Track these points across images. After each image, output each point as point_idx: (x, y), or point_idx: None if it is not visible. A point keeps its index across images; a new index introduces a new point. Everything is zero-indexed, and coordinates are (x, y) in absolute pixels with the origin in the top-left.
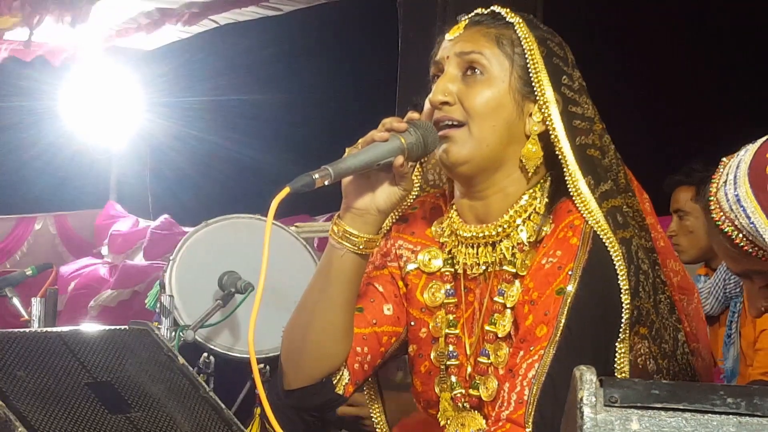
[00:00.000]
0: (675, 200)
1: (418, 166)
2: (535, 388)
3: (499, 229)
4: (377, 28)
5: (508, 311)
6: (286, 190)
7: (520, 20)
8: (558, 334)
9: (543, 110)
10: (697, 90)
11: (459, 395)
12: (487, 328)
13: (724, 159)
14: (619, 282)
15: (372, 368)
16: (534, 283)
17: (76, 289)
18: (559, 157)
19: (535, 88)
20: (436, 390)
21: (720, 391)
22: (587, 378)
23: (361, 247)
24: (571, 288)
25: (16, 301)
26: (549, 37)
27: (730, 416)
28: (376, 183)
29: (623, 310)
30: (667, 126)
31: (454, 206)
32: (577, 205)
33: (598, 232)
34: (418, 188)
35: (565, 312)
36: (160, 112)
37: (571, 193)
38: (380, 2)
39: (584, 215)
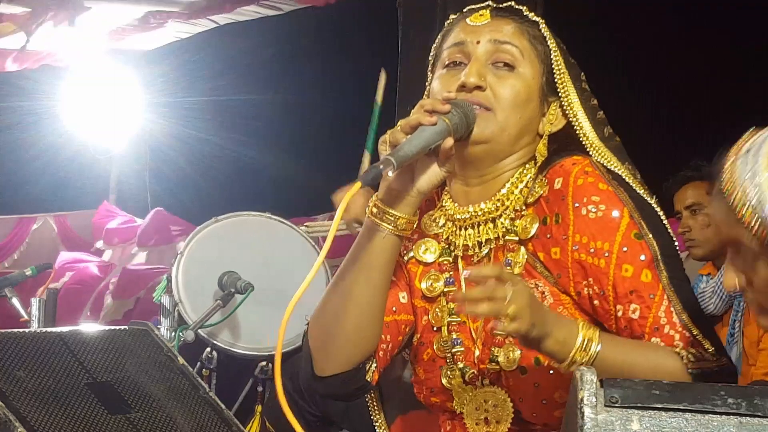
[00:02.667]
0: (686, 196)
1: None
2: (689, 325)
3: (498, 204)
4: (377, 28)
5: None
6: (357, 185)
7: (541, 20)
8: (666, 273)
9: (567, 110)
10: (699, 88)
11: (473, 375)
12: None
13: (753, 129)
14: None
15: (391, 357)
16: (587, 235)
17: (69, 284)
18: (590, 150)
19: (558, 88)
20: (443, 381)
21: (720, 391)
22: (588, 378)
23: (401, 228)
24: (643, 230)
25: (15, 301)
26: (559, 40)
27: (731, 416)
28: (417, 165)
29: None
30: (668, 123)
31: (447, 196)
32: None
33: (659, 215)
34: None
35: (657, 250)
36: (160, 112)
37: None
38: (380, 2)
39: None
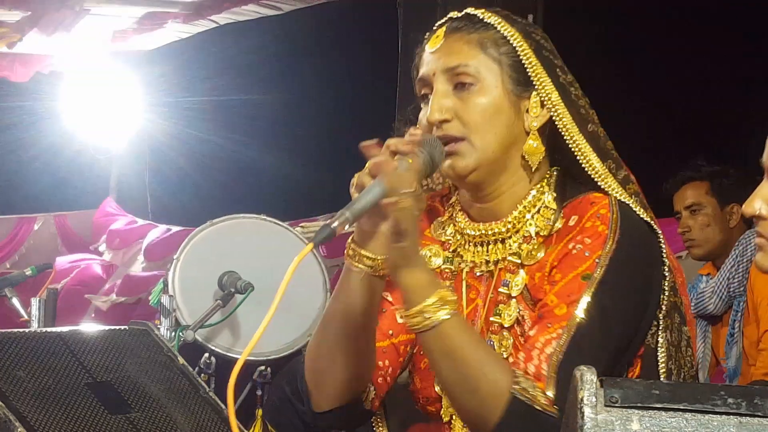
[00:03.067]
0: (686, 196)
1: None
2: (553, 364)
3: (509, 226)
4: (377, 28)
5: (513, 301)
6: (309, 247)
7: (499, 19)
8: (579, 317)
9: (546, 101)
10: (701, 88)
11: None
12: (492, 318)
13: None
14: (663, 262)
15: (393, 379)
16: (558, 266)
17: (71, 285)
18: (570, 144)
19: (533, 82)
20: (437, 389)
21: (721, 391)
22: (587, 378)
23: (379, 268)
24: (597, 275)
25: (15, 301)
26: (532, 31)
27: (731, 416)
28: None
29: (665, 288)
30: (668, 123)
31: (458, 207)
32: (603, 186)
33: (638, 212)
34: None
35: (590, 297)
36: (160, 112)
37: (597, 179)
38: (380, 3)
39: (613, 196)
